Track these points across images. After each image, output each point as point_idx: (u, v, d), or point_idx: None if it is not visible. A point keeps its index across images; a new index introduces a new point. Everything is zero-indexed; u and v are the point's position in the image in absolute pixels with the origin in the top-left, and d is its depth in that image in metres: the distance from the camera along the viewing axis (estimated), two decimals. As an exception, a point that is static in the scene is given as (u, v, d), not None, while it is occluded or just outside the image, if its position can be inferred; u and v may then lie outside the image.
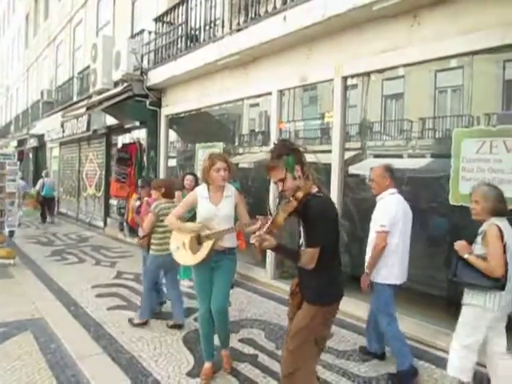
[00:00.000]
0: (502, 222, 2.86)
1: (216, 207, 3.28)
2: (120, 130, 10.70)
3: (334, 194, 5.02)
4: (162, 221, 4.12)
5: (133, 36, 9.88)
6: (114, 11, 11.97)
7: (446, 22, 4.06)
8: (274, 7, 5.58)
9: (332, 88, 5.23)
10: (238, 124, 7.61)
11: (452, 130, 4.17)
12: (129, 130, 10.44)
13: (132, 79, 8.76)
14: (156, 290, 4.71)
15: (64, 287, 5.85)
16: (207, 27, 7.22)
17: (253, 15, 6.07)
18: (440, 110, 4.65)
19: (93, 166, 13.01)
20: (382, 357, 3.69)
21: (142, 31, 9.27)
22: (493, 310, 2.81)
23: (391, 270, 3.40)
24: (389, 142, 5.11)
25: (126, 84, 8.82)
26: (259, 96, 6.66)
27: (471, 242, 2.95)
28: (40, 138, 17.65)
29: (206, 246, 3.24)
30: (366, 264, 3.52)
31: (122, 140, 10.99)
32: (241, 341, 4.06)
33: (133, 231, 8.00)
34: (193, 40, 7.62)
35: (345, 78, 5.10)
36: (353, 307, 4.46)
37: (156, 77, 8.49)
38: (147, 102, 8.96)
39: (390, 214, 3.39)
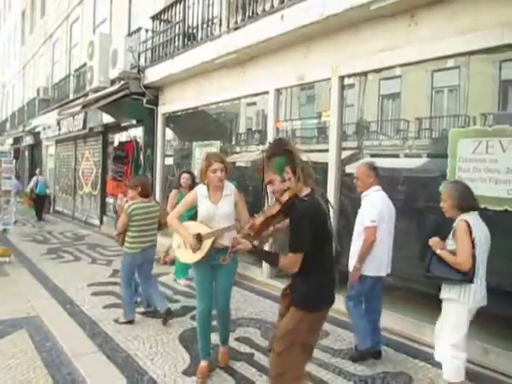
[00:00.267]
0: (472, 217, 2.93)
1: (216, 206, 3.29)
2: (116, 128, 10.67)
3: (331, 193, 5.04)
4: (135, 220, 4.32)
5: (130, 34, 9.86)
6: (111, 9, 11.93)
7: (444, 21, 4.07)
8: (272, 6, 5.58)
9: (329, 87, 5.24)
10: (235, 123, 7.60)
11: (448, 129, 4.19)
12: (125, 128, 10.41)
13: (129, 77, 8.73)
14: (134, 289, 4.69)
15: (60, 285, 5.83)
16: (205, 25, 7.20)
17: (250, 14, 6.06)
18: (437, 109, 4.67)
19: (89, 164, 12.97)
20: (377, 355, 3.70)
21: (139, 29, 9.25)
22: (468, 303, 2.89)
23: (373, 262, 3.53)
24: (385, 141, 5.13)
25: (122, 82, 8.79)
26: (256, 95, 6.65)
27: (445, 238, 3.04)
28: (36, 135, 17.60)
29: (206, 244, 3.25)
30: (351, 259, 3.63)
31: (118, 138, 10.97)
32: (237, 339, 4.05)
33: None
34: (190, 38, 7.60)
35: (342, 78, 5.11)
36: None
37: (153, 75, 8.46)
38: (144, 101, 8.94)
39: (377, 209, 3.53)
